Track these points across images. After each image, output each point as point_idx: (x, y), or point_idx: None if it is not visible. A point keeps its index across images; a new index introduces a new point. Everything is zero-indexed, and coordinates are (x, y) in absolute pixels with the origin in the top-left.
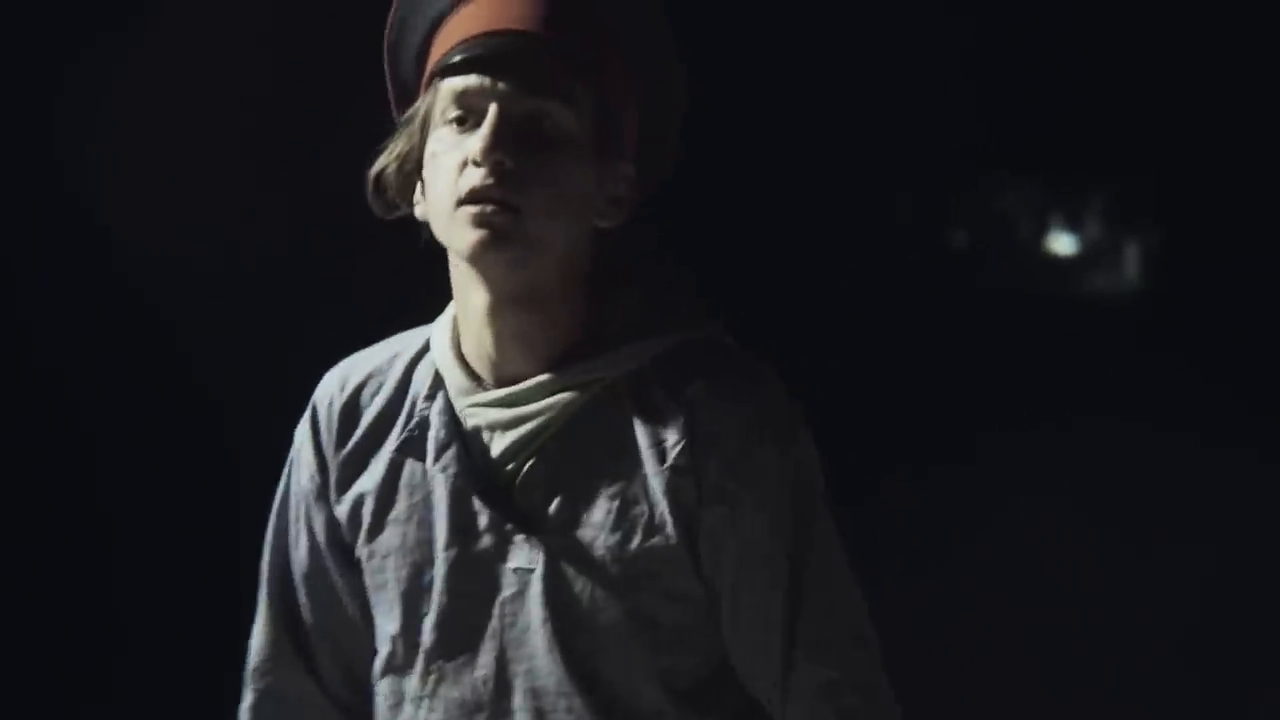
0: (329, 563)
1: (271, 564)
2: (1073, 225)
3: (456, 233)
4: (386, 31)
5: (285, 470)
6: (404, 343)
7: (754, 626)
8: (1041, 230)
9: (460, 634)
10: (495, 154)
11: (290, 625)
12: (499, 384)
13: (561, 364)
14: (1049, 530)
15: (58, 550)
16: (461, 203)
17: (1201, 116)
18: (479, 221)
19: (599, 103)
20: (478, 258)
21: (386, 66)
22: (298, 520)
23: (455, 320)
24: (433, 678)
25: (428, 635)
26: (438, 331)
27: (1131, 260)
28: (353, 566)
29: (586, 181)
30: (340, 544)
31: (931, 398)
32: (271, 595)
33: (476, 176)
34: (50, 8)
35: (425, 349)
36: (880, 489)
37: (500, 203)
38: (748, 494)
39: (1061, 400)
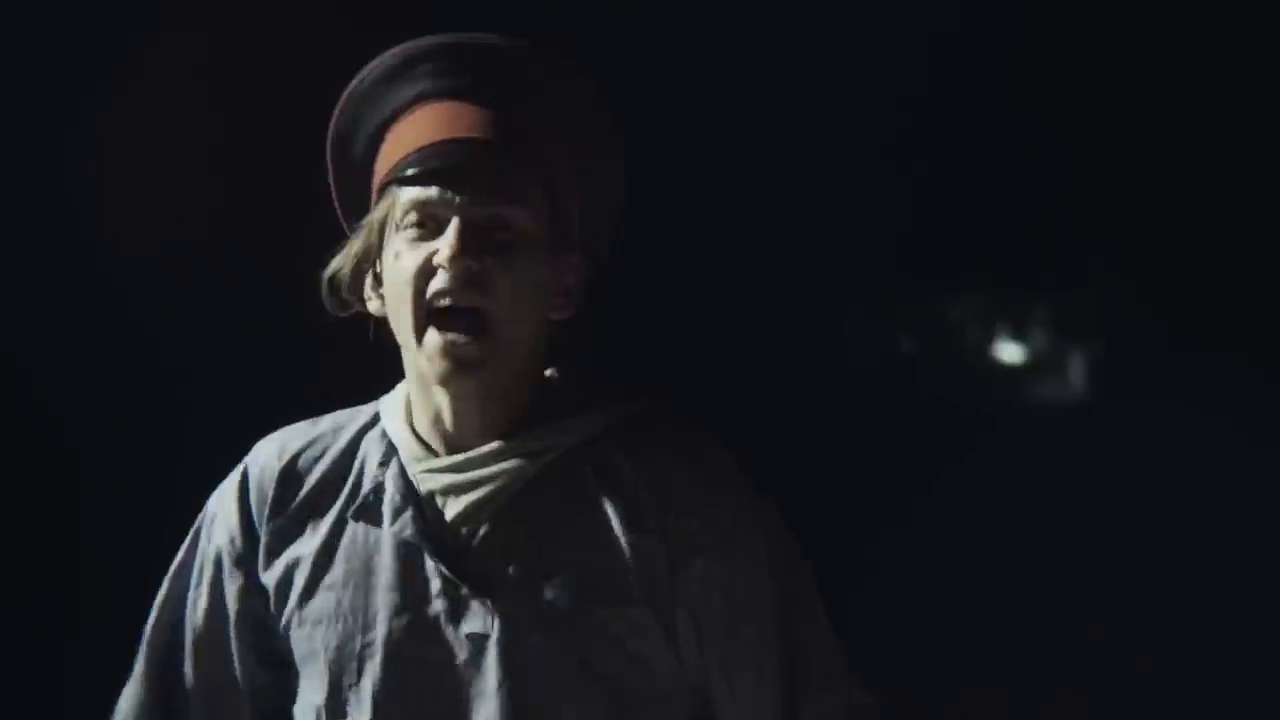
0: (233, 632)
1: (157, 627)
2: (1018, 335)
3: (426, 359)
4: (331, 133)
5: (191, 535)
6: (346, 416)
7: (748, 685)
8: (987, 340)
9: (407, 703)
10: (463, 260)
11: (165, 693)
12: (451, 453)
13: (514, 434)
14: (990, 640)
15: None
16: (430, 315)
17: (1146, 228)
18: (447, 352)
19: (550, 200)
20: (447, 383)
21: (330, 164)
22: (200, 584)
23: (408, 397)
24: None
25: (365, 705)
26: (389, 404)
27: (1076, 370)
28: (264, 641)
29: (543, 278)
30: (254, 614)
31: (879, 506)
32: (151, 660)
33: (444, 280)
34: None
35: (372, 422)
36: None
37: (467, 309)
38: (724, 547)
39: (1004, 508)
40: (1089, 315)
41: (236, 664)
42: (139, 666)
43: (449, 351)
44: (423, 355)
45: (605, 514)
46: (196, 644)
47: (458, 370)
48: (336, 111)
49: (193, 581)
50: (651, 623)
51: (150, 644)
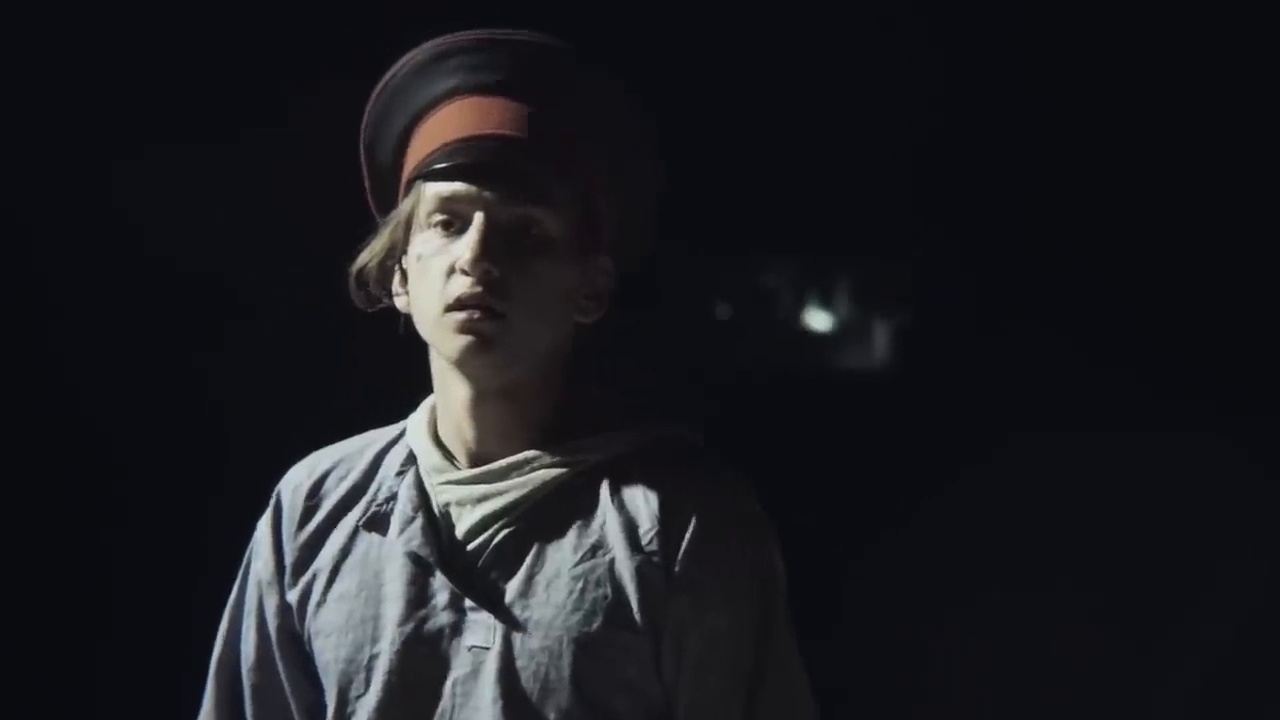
0: (277, 653)
1: (221, 656)
2: (826, 303)
3: (443, 337)
4: (363, 127)
5: (244, 561)
6: (375, 435)
7: None
8: (798, 307)
9: (407, 715)
10: (483, 263)
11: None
12: (473, 465)
13: (537, 447)
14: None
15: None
16: (449, 309)
17: (957, 198)
18: (465, 328)
19: (582, 202)
20: (464, 362)
21: (363, 159)
22: (250, 612)
23: (434, 408)
24: None
25: (368, 716)
26: (415, 417)
27: (881, 339)
28: (303, 658)
29: (569, 281)
30: (291, 632)
31: None
32: (219, 688)
33: (464, 284)
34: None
35: (397, 439)
36: None
37: (487, 309)
38: (713, 587)
39: (811, 476)
40: (901, 285)
41: (286, 686)
42: (207, 698)
43: (465, 326)
44: (442, 334)
45: (614, 535)
46: (250, 672)
47: (475, 347)
48: (368, 106)
49: (245, 609)
50: (646, 649)
51: (216, 674)
